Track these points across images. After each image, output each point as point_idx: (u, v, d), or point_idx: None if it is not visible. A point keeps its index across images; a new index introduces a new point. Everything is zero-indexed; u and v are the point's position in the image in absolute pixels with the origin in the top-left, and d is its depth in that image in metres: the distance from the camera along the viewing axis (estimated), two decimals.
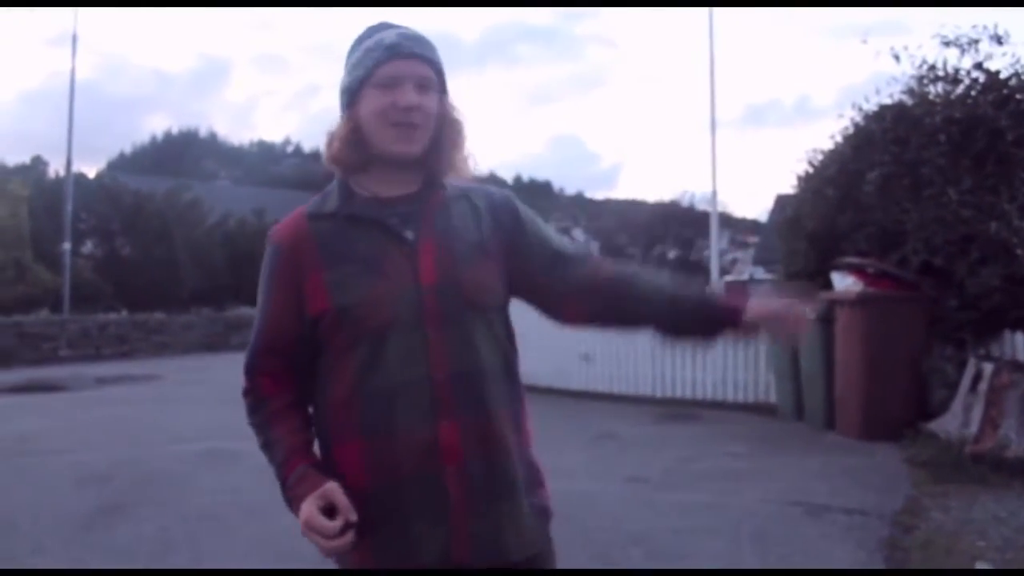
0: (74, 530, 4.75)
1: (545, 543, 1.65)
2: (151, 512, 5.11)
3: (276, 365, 1.63)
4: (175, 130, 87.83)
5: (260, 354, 1.64)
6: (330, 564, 1.62)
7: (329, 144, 1.63)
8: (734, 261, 29.98)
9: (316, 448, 1.62)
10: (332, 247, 1.57)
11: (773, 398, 8.90)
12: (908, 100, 8.38)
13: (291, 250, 1.60)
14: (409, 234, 1.57)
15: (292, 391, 1.63)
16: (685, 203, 26.09)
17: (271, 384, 1.63)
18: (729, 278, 21.83)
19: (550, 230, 1.76)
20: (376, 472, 1.52)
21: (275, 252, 1.62)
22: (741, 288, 1.67)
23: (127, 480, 5.90)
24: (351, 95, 1.60)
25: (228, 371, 14.89)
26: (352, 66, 1.60)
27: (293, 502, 1.52)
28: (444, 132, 1.63)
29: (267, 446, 1.61)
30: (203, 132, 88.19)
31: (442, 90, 1.63)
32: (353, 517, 1.48)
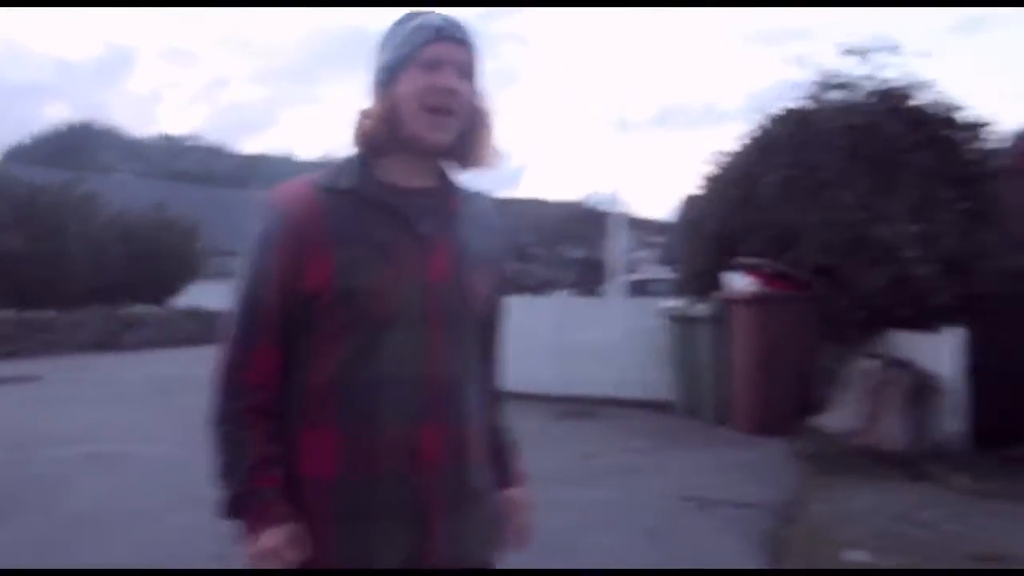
0: None
1: (494, 551, 1.66)
2: (28, 517, 4.88)
3: (267, 342, 1.51)
4: (76, 120, 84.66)
5: (253, 327, 1.51)
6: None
7: (360, 121, 1.55)
8: (639, 261, 30.50)
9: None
10: (344, 225, 1.49)
11: (671, 396, 9.05)
12: (810, 106, 8.67)
13: (297, 218, 1.49)
14: (424, 229, 1.53)
15: (275, 381, 1.52)
16: (590, 204, 26.40)
17: (259, 368, 1.51)
18: (635, 277, 22.16)
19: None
20: (348, 464, 1.47)
21: (279, 217, 1.50)
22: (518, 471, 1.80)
23: (5, 484, 5.62)
24: (391, 72, 1.53)
25: (120, 370, 14.43)
26: (396, 44, 1.54)
27: (250, 515, 1.46)
28: (474, 123, 1.58)
29: (230, 439, 1.50)
30: (104, 123, 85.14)
31: (476, 78, 1.59)
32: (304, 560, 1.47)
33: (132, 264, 21.98)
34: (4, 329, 16.93)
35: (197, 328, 20.41)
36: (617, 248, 14.70)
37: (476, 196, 1.68)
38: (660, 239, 33.91)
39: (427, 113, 1.51)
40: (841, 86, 8.57)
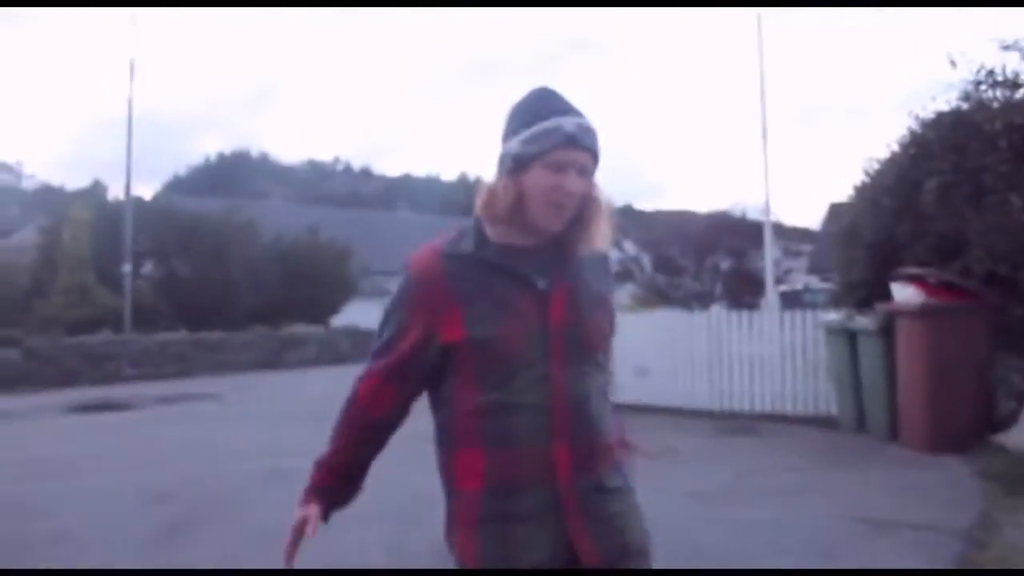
0: (142, 549, 4.85)
1: (644, 535, 1.86)
2: (216, 531, 5.21)
3: (383, 381, 1.83)
4: (227, 151, 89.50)
5: (377, 369, 1.83)
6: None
7: (487, 198, 1.77)
8: (788, 271, 29.54)
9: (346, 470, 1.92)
10: (466, 285, 1.74)
11: (833, 410, 8.76)
12: (966, 106, 8.23)
13: (426, 283, 1.77)
14: (541, 283, 1.75)
15: (381, 406, 1.85)
16: (737, 213, 25.81)
17: (377, 399, 1.84)
18: (783, 288, 21.54)
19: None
20: (492, 478, 1.72)
21: (410, 283, 1.79)
22: None
23: (192, 499, 6.01)
24: (519, 164, 1.73)
25: (285, 389, 15.17)
26: (526, 140, 1.72)
27: (309, 496, 1.88)
28: (585, 210, 1.78)
29: (333, 442, 1.90)
30: (255, 152, 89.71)
31: (593, 175, 1.79)
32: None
33: (290, 286, 23.04)
34: (179, 349, 18.09)
35: (354, 346, 21.20)
36: (768, 259, 14.34)
37: (578, 251, 1.86)
38: (807, 247, 32.81)
39: (549, 206, 1.73)
40: (1001, 84, 8.10)
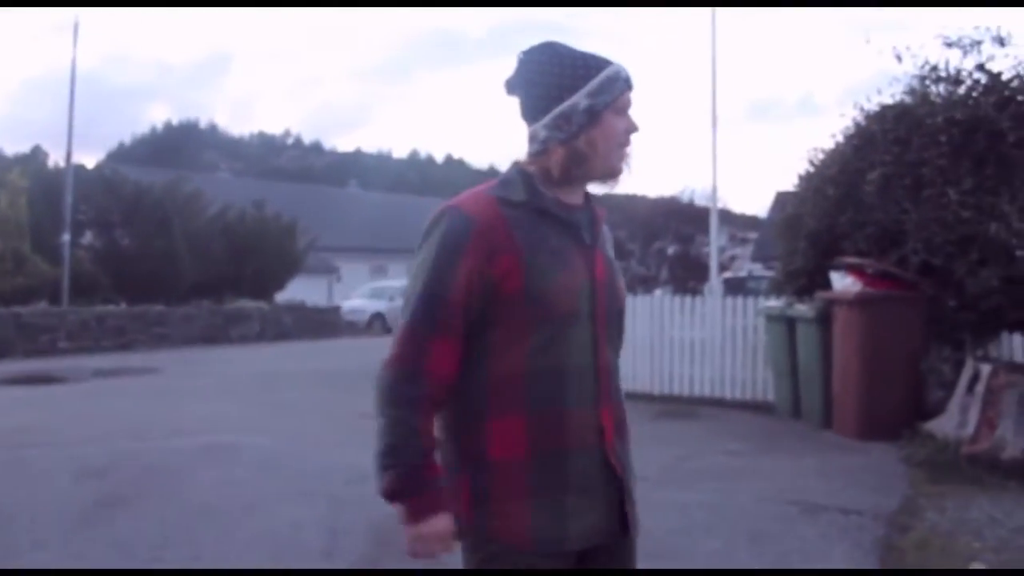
0: (73, 524, 4.76)
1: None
2: (150, 506, 5.13)
3: (447, 335, 1.65)
4: (175, 121, 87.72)
5: (434, 320, 1.65)
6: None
7: (549, 153, 1.73)
8: (733, 258, 29.97)
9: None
10: (526, 233, 1.68)
11: (771, 396, 8.93)
12: (910, 100, 8.39)
13: (486, 225, 1.66)
14: (587, 238, 1.77)
15: (451, 374, 1.67)
16: (685, 199, 26.12)
17: (438, 359, 1.65)
18: (728, 274, 21.84)
19: None
20: (538, 446, 1.65)
21: (466, 223, 1.66)
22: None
23: (126, 473, 5.91)
24: (593, 115, 1.72)
25: (227, 364, 14.98)
26: (593, 91, 1.71)
27: (424, 499, 1.62)
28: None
29: (404, 424, 1.63)
30: (203, 123, 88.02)
31: None
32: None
33: (235, 260, 22.74)
34: (118, 322, 17.75)
35: (298, 322, 21.03)
36: (714, 245, 14.52)
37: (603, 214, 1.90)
38: (753, 235, 33.28)
39: (621, 148, 1.77)
40: (944, 80, 8.28)
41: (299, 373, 12.71)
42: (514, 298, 1.64)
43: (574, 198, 1.78)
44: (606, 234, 1.87)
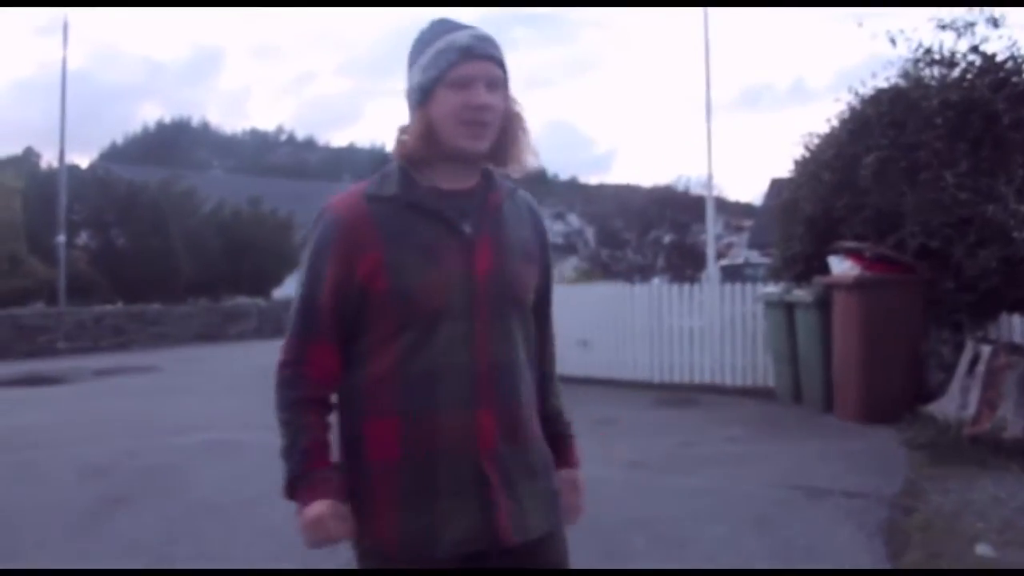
0: (77, 524, 4.76)
1: (557, 522, 1.75)
2: (153, 504, 5.13)
3: (323, 340, 1.65)
4: (167, 119, 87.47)
5: (309, 326, 1.66)
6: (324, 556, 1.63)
7: (399, 139, 1.68)
8: (729, 245, 30.00)
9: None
10: (391, 230, 1.62)
11: (771, 382, 8.94)
12: (904, 83, 8.38)
13: (349, 226, 1.63)
14: (467, 228, 1.65)
15: (332, 376, 1.67)
16: (680, 187, 26.10)
17: (317, 361, 1.66)
18: (724, 262, 21.84)
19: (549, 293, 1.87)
20: (410, 448, 1.60)
21: (332, 225, 1.65)
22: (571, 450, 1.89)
23: (129, 473, 5.91)
24: (423, 93, 1.63)
25: (226, 361, 14.94)
26: (424, 66, 1.64)
27: (304, 493, 1.61)
28: (509, 128, 1.69)
29: (291, 425, 1.65)
30: (196, 121, 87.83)
31: (506, 87, 1.69)
32: (352, 535, 1.64)
33: (231, 257, 22.70)
34: (116, 321, 17.73)
35: None
36: (711, 233, 14.52)
37: (515, 191, 1.78)
38: (749, 222, 33.30)
39: (463, 126, 1.61)
40: (938, 62, 8.28)
41: None
42: (381, 298, 1.60)
43: (460, 182, 1.68)
44: (510, 218, 1.73)
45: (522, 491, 1.66)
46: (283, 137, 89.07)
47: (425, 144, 1.63)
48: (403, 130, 1.67)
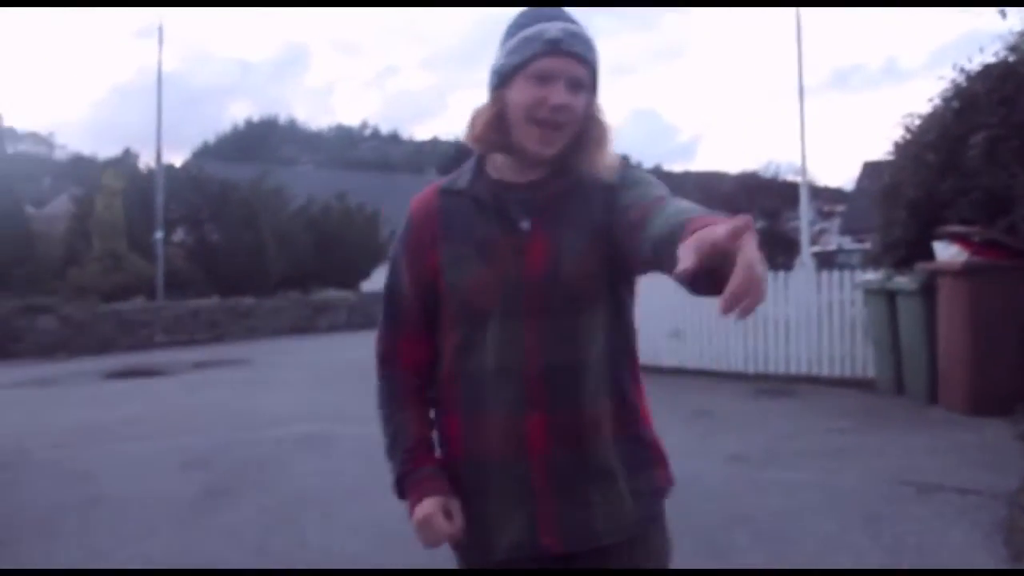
0: (182, 512, 4.88)
1: (647, 525, 1.63)
2: (254, 495, 5.23)
3: (411, 332, 1.65)
4: (256, 117, 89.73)
5: (397, 319, 1.67)
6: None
7: (472, 122, 1.60)
8: (821, 231, 29.24)
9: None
10: (454, 224, 1.60)
11: (870, 372, 8.63)
12: (1014, 58, 7.96)
13: (420, 223, 1.64)
14: (524, 224, 1.56)
15: (425, 368, 1.66)
16: (769, 173, 25.53)
17: (408, 353, 1.66)
18: (816, 248, 21.28)
19: (650, 188, 1.56)
20: (467, 447, 1.59)
21: (407, 223, 1.67)
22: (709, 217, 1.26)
23: (229, 464, 6.04)
24: (501, 79, 1.56)
25: (318, 354, 15.24)
26: (509, 51, 1.55)
27: (412, 492, 1.59)
28: (587, 132, 1.57)
29: (390, 422, 1.66)
30: (283, 118, 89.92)
31: (593, 90, 1.58)
32: (459, 534, 1.59)
33: (320, 251, 23.13)
34: (211, 315, 18.25)
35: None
36: (804, 219, 14.13)
37: (590, 178, 1.59)
38: (840, 208, 32.38)
39: (535, 125, 1.51)
40: None
41: None
42: (442, 295, 1.59)
43: (530, 174, 1.59)
44: (578, 205, 1.57)
45: (590, 495, 1.56)
46: (367, 132, 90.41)
47: (492, 132, 1.56)
48: (477, 114, 1.60)
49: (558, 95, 1.49)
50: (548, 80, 1.50)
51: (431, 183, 1.72)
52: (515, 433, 1.53)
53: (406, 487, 1.61)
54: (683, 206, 1.38)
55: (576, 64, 1.51)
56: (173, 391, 10.38)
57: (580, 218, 1.57)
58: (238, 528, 4.57)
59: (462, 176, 1.64)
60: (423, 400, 1.66)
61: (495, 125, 1.55)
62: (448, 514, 1.57)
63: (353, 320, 20.54)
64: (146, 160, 24.54)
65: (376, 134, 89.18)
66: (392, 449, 1.64)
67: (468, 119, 1.61)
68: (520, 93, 1.51)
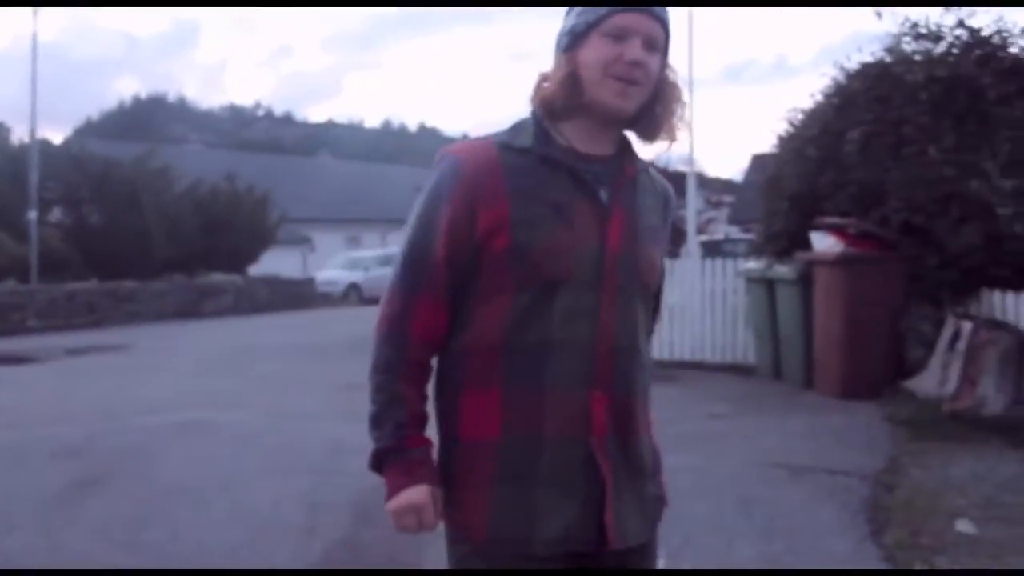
0: (48, 506, 4.64)
1: (655, 531, 1.63)
2: (126, 486, 5.02)
3: (432, 293, 1.50)
4: (143, 94, 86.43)
5: (418, 277, 1.50)
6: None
7: (539, 84, 1.54)
8: (709, 221, 30.03)
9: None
10: (522, 183, 1.48)
11: (752, 358, 8.91)
12: (889, 58, 8.33)
13: (475, 172, 1.48)
14: (603, 194, 1.51)
15: (439, 337, 1.52)
16: (661, 163, 26.02)
17: (423, 320, 1.51)
18: (704, 238, 21.85)
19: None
20: (512, 427, 1.46)
21: (455, 169, 1.50)
22: None
23: (101, 454, 5.78)
24: (574, 37, 1.51)
25: (201, 339, 14.78)
26: (580, 11, 1.51)
27: (398, 473, 1.48)
28: (660, 94, 1.55)
29: (385, 390, 1.51)
30: (172, 96, 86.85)
31: (666, 52, 1.55)
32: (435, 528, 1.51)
33: (206, 234, 22.43)
34: (89, 299, 17.49)
35: (272, 295, 20.85)
36: (691, 208, 14.47)
37: (651, 171, 1.66)
38: (729, 198, 33.30)
39: (613, 80, 1.48)
40: (924, 37, 8.22)
41: (275, 346, 12.57)
42: (501, 256, 1.45)
43: (598, 147, 1.54)
44: (644, 195, 1.59)
45: (627, 491, 1.51)
46: (260, 112, 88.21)
47: (567, 92, 1.49)
48: (545, 76, 1.54)
49: (635, 51, 1.47)
50: (624, 36, 1.47)
51: (481, 137, 1.58)
52: (579, 412, 1.45)
53: (390, 464, 1.49)
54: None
55: (652, 21, 1.49)
56: (45, 378, 9.90)
57: (646, 209, 1.58)
58: (107, 521, 4.38)
59: (520, 134, 1.53)
60: (425, 375, 1.54)
61: (569, 87, 1.49)
62: (436, 503, 1.49)
63: (240, 305, 20.02)
64: (20, 135, 23.24)
65: (270, 115, 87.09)
66: (380, 419, 1.50)
67: (535, 84, 1.55)
68: (595, 51, 1.47)
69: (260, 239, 24.20)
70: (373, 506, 3.99)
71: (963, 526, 4.11)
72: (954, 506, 4.39)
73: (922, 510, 4.34)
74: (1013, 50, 7.89)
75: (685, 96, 1.59)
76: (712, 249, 18.36)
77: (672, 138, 1.58)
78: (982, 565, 3.62)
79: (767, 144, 9.85)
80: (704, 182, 30.97)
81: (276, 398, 7.85)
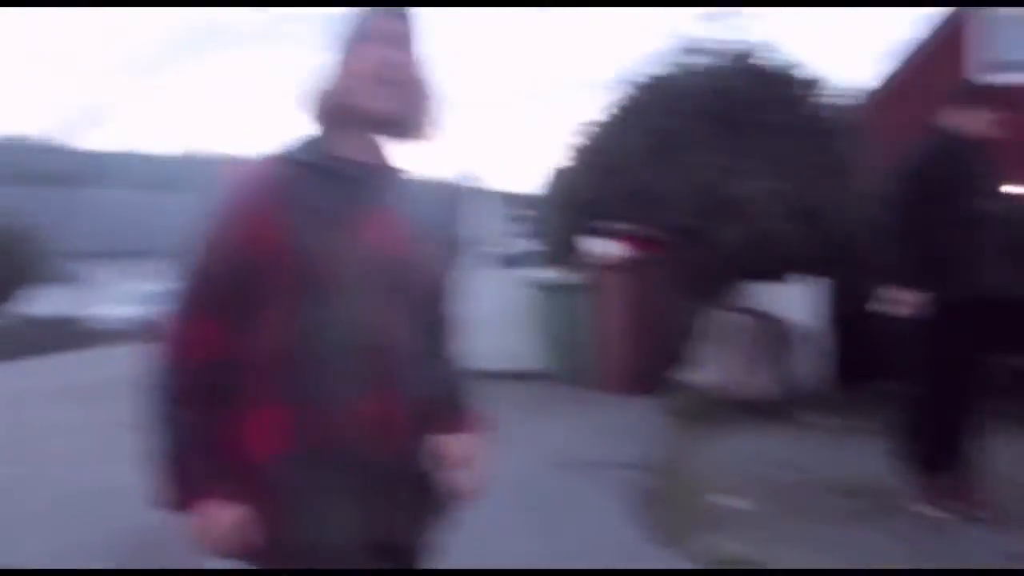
0: None
1: (431, 531, 1.66)
2: None
3: (211, 315, 1.48)
4: None
5: (197, 300, 1.49)
6: None
7: (307, 98, 1.57)
8: (511, 235, 30.69)
9: None
10: (299, 193, 1.50)
11: (545, 365, 9.04)
12: (667, 72, 8.83)
13: (253, 187, 1.50)
14: (375, 200, 1.55)
15: (220, 357, 1.48)
16: (458, 181, 26.28)
17: (203, 340, 1.48)
18: (503, 250, 22.18)
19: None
20: (300, 440, 1.47)
21: (236, 189, 1.52)
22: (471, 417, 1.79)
23: None
24: (335, 46, 1.57)
25: None
26: (339, 17, 1.58)
27: (209, 499, 1.45)
28: (417, 93, 1.59)
29: (176, 420, 1.48)
30: None
31: (417, 50, 1.60)
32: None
33: None
34: None
35: (41, 336, 19.17)
36: (485, 223, 14.67)
37: (411, 177, 1.70)
38: (532, 213, 34.09)
39: (377, 84, 1.53)
40: (699, 51, 8.77)
41: (44, 389, 11.49)
42: (279, 270, 1.46)
43: (370, 155, 1.58)
44: (416, 203, 1.65)
45: (404, 491, 1.56)
46: (27, 142, 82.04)
47: (332, 103, 1.55)
48: (313, 89, 1.57)
49: (393, 54, 1.53)
50: (376, 39, 1.53)
51: (269, 153, 1.57)
52: (361, 416, 1.47)
53: (189, 490, 1.46)
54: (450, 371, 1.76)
55: (397, 21, 1.56)
56: None
57: (420, 213, 1.63)
58: None
59: (303, 146, 1.56)
60: (212, 396, 1.48)
61: (334, 95, 1.54)
62: (247, 522, 1.46)
63: (2, 346, 18.36)
64: None
65: (37, 144, 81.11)
66: (176, 452, 1.47)
67: (302, 97, 1.58)
68: (358, 57, 1.53)
69: (24, 276, 22.31)
70: (154, 546, 3.71)
71: (734, 502, 4.30)
72: (725, 484, 4.60)
73: (698, 491, 4.52)
74: (767, 60, 8.57)
75: (441, 93, 1.63)
76: (510, 261, 18.63)
77: (426, 135, 1.61)
78: (756, 537, 3.79)
79: (563, 158, 10.11)
80: (509, 199, 31.59)
81: (46, 445, 7.11)
